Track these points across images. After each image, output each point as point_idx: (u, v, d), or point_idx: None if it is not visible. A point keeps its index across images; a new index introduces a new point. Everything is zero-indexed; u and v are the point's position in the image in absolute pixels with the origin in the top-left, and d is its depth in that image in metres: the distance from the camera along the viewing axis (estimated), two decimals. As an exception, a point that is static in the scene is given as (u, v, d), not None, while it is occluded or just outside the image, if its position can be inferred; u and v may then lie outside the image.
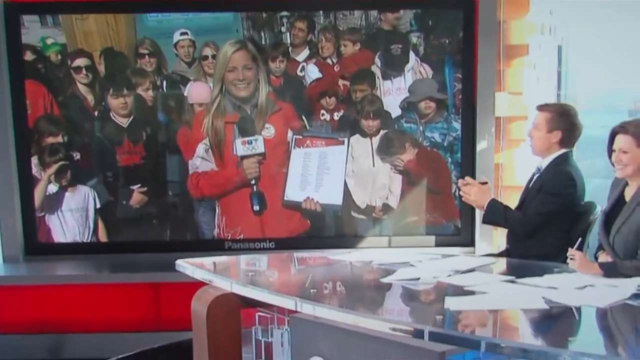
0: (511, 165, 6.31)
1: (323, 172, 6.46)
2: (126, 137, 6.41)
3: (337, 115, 6.41)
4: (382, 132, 6.42)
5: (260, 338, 4.16)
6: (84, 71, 6.31)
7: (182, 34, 6.31)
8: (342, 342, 3.56)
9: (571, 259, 4.21)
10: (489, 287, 3.82)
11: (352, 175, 6.47)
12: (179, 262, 4.64)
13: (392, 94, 6.42)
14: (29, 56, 6.31)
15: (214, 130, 6.37)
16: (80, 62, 6.32)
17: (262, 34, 6.36)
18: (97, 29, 6.32)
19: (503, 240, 5.64)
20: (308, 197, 6.47)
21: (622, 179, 4.50)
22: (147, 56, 6.33)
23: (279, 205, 6.49)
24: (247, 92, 6.36)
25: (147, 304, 6.23)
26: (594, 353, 2.84)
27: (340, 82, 6.40)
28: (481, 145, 6.30)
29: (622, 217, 4.39)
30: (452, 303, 3.51)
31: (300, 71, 6.39)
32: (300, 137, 6.43)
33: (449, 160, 6.43)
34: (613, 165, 4.47)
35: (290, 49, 6.36)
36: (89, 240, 6.47)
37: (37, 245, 6.45)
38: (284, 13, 6.34)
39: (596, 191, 4.98)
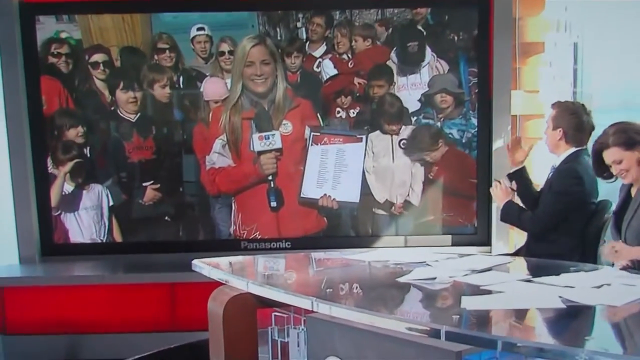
0: (528, 163, 6.27)
1: (340, 170, 6.46)
2: (137, 132, 6.43)
3: (354, 113, 6.41)
4: (409, 127, 6.40)
5: (276, 338, 4.15)
6: (101, 67, 6.33)
7: (198, 29, 6.32)
8: (359, 342, 3.55)
9: (615, 251, 4.22)
10: (505, 286, 3.80)
11: (372, 171, 6.45)
12: (195, 262, 4.64)
13: (408, 89, 6.41)
14: (44, 52, 6.33)
15: (231, 126, 6.38)
16: (98, 57, 6.34)
17: (278, 30, 6.36)
18: (113, 25, 6.35)
19: (520, 240, 5.63)
20: (325, 194, 6.47)
21: None
22: (167, 51, 6.34)
23: (295, 202, 6.50)
24: (264, 87, 6.37)
25: (163, 304, 6.24)
26: (611, 352, 2.82)
27: (356, 79, 6.39)
28: (497, 144, 6.29)
29: (630, 211, 4.46)
30: (468, 302, 3.50)
31: (317, 67, 6.39)
32: (318, 134, 6.43)
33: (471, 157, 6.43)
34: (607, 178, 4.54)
35: (307, 44, 6.36)
36: (104, 239, 6.49)
37: (53, 245, 6.48)
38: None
39: (614, 190, 4.95)
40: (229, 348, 4.11)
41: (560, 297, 3.48)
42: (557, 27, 6.40)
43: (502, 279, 3.96)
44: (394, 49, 6.39)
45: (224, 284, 4.29)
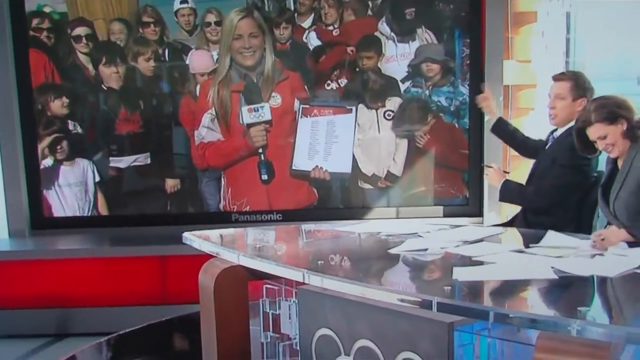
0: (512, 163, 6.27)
1: (331, 141, 6.44)
2: (123, 106, 6.38)
3: (343, 84, 6.38)
4: (397, 99, 6.39)
5: (267, 310, 4.15)
6: (84, 40, 6.28)
7: (182, 2, 6.26)
8: (350, 314, 3.54)
9: (602, 239, 4.22)
10: (497, 257, 3.79)
11: (358, 144, 6.44)
12: (185, 234, 4.62)
13: (397, 60, 6.38)
14: (29, 25, 6.30)
15: (220, 100, 6.35)
16: (81, 30, 6.28)
17: (266, 1, 6.31)
18: (99, -3, 6.30)
19: (511, 211, 5.61)
20: (317, 166, 6.44)
21: None
22: (151, 25, 6.29)
23: (287, 175, 6.48)
24: (253, 60, 6.33)
25: (154, 277, 6.22)
26: (603, 323, 2.81)
27: (346, 49, 6.36)
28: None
29: (617, 183, 4.43)
30: (460, 273, 3.48)
31: (306, 38, 6.36)
32: (307, 106, 6.40)
33: (456, 124, 6.40)
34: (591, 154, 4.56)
35: (296, 16, 6.32)
36: (89, 214, 6.46)
37: (43, 219, 6.45)
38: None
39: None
40: (220, 320, 4.11)
41: (552, 267, 3.47)
42: (549, -4, 6.37)
43: (494, 250, 3.95)
44: (382, 19, 6.34)
45: (215, 256, 4.27)
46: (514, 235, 4.68)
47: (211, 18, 6.30)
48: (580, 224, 4.93)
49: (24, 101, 6.31)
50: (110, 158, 6.45)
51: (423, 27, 6.35)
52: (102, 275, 6.18)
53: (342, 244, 4.66)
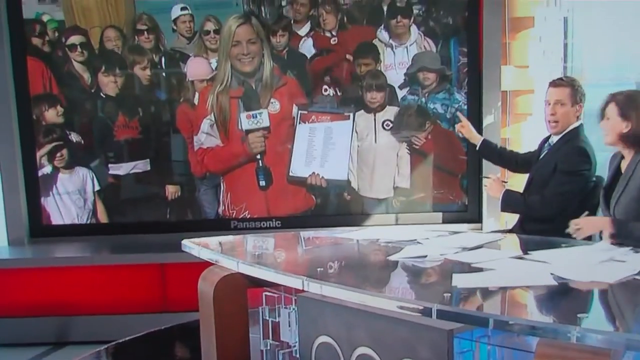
0: (518, 139, 6.27)
1: (328, 148, 6.45)
2: (121, 114, 6.40)
3: (340, 91, 6.39)
4: (395, 108, 6.39)
5: (267, 318, 4.14)
6: (78, 49, 6.28)
7: (182, 9, 6.28)
8: (350, 321, 3.54)
9: (577, 229, 4.24)
10: (496, 263, 3.79)
11: (355, 151, 6.44)
12: (184, 242, 4.61)
13: (395, 68, 6.39)
14: (27, 33, 6.30)
15: (219, 106, 6.37)
16: (75, 39, 6.29)
17: (262, 8, 6.33)
18: (96, 5, 6.29)
19: (510, 217, 5.61)
20: (313, 173, 6.45)
21: (618, 153, 4.54)
22: (145, 32, 6.30)
23: (284, 181, 6.49)
24: (251, 66, 6.34)
25: (153, 285, 6.22)
26: (603, 330, 2.81)
27: (344, 56, 6.37)
28: (487, 120, 6.28)
29: (619, 187, 4.46)
30: (459, 280, 3.48)
31: (302, 45, 6.37)
32: (306, 112, 6.42)
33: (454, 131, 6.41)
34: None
35: (292, 23, 6.33)
36: (89, 221, 6.47)
37: (42, 227, 6.46)
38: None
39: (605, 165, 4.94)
40: (219, 328, 4.10)
41: (552, 274, 3.47)
42: (546, 2, 6.36)
43: (494, 257, 3.95)
44: (380, 26, 6.35)
45: (214, 264, 4.27)
46: (513, 242, 4.68)
47: (210, 26, 6.32)
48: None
49: (22, 109, 6.32)
50: (110, 165, 6.45)
51: (421, 34, 6.35)
52: (102, 283, 6.18)
53: (341, 251, 4.66)
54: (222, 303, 4.10)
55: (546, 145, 5.17)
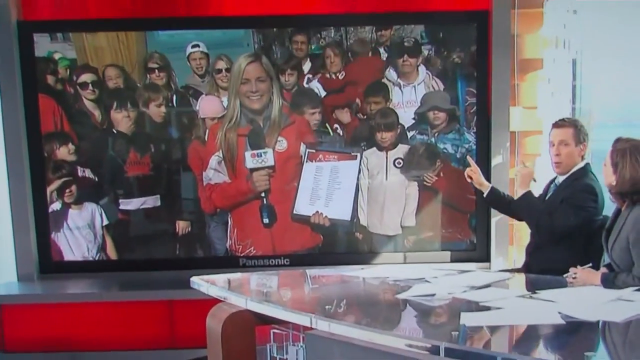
0: (536, 177, 6.27)
1: (334, 187, 6.46)
2: (134, 150, 6.41)
3: (351, 129, 6.41)
4: (405, 146, 6.41)
5: (275, 355, 4.15)
6: (90, 87, 6.33)
7: (193, 46, 6.32)
8: (358, 359, 3.54)
9: (573, 278, 4.28)
10: (504, 302, 3.80)
11: (365, 189, 6.46)
12: (193, 279, 4.64)
13: (403, 107, 6.41)
14: (39, 71, 6.34)
15: (227, 143, 6.38)
16: (86, 77, 6.33)
17: (273, 48, 6.38)
18: (108, 44, 6.34)
19: (519, 256, 5.61)
20: (317, 212, 6.46)
21: None
22: (156, 70, 6.34)
23: (288, 219, 6.49)
24: (260, 104, 6.36)
25: (162, 322, 6.21)
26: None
27: (355, 95, 6.40)
28: (496, 160, 6.28)
29: (614, 234, 4.48)
30: (467, 319, 3.49)
31: (306, 83, 6.40)
32: (313, 151, 6.42)
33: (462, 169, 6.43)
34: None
35: (302, 62, 6.37)
36: (97, 258, 6.48)
37: (52, 263, 6.46)
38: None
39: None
40: (227, 365, 4.11)
41: (559, 313, 3.48)
42: (555, 44, 6.39)
43: (501, 295, 3.96)
44: (389, 66, 6.39)
45: (223, 301, 4.28)
46: (521, 281, 4.68)
47: (221, 65, 6.35)
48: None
49: (33, 146, 6.34)
50: (120, 200, 6.47)
51: (429, 74, 6.38)
52: (110, 319, 6.17)
53: (349, 289, 4.67)
54: (230, 340, 4.11)
55: (552, 185, 5.20)
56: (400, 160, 6.43)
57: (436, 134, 6.41)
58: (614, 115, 6.53)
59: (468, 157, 5.87)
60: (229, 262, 6.36)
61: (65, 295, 6.22)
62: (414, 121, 6.40)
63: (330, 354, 3.67)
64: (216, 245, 6.50)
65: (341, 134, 6.42)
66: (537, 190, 5.34)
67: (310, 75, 6.40)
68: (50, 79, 6.35)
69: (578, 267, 4.50)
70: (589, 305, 3.69)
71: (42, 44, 6.32)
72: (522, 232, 5.74)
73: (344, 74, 6.40)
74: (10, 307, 6.19)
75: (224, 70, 6.34)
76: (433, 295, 4.07)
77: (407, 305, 4.01)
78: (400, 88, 6.41)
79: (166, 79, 6.37)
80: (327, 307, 3.89)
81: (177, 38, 6.37)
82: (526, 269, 5.18)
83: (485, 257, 6.40)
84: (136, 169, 6.44)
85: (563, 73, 6.43)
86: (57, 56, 6.33)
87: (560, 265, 4.71)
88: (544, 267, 4.88)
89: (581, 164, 5.05)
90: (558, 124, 5.12)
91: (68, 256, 6.48)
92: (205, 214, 6.46)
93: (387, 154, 6.43)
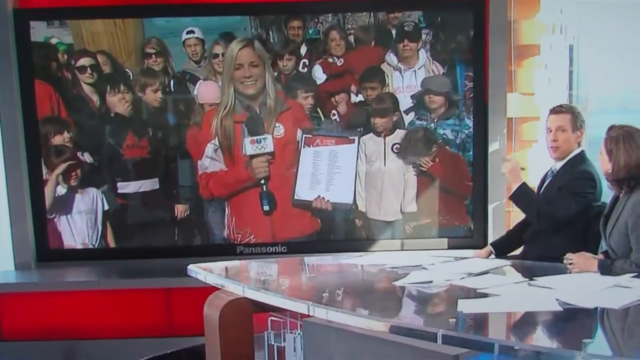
0: (523, 166, 6.26)
1: (333, 171, 6.44)
2: (132, 133, 6.40)
3: (348, 114, 6.40)
4: (403, 131, 6.40)
5: (272, 342, 4.15)
6: (88, 70, 6.31)
7: (188, 32, 6.30)
8: (355, 346, 3.54)
9: (570, 263, 4.28)
10: (502, 289, 3.80)
11: (363, 175, 6.45)
12: (190, 267, 4.63)
13: (403, 91, 6.40)
14: (36, 57, 6.32)
15: (223, 130, 6.36)
16: (85, 61, 6.31)
17: (271, 33, 6.36)
18: (105, 29, 6.32)
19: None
20: (319, 196, 6.44)
21: None
22: (153, 55, 6.32)
23: (289, 205, 6.48)
24: (254, 89, 6.34)
25: (159, 310, 6.22)
26: (608, 355, 2.82)
27: (351, 81, 6.39)
28: (493, 147, 6.28)
29: (612, 221, 4.48)
30: (465, 306, 3.49)
31: (302, 68, 6.38)
32: (310, 136, 6.40)
33: (462, 157, 6.42)
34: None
35: (301, 47, 6.36)
36: (97, 244, 6.47)
37: (49, 251, 6.45)
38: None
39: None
40: (225, 353, 4.11)
41: (557, 299, 3.48)
42: (552, 30, 6.38)
43: (499, 282, 3.97)
44: (388, 51, 6.37)
45: (220, 288, 4.28)
46: (518, 268, 4.68)
47: (218, 50, 6.32)
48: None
49: (29, 132, 6.33)
50: (118, 184, 6.45)
51: (430, 59, 6.37)
52: (108, 307, 6.17)
53: (346, 276, 4.68)
54: (228, 328, 4.11)
55: (549, 173, 5.20)
56: (398, 146, 6.42)
57: (435, 119, 6.40)
58: (611, 102, 6.53)
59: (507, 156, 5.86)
60: (226, 250, 6.36)
61: (62, 283, 6.22)
62: (412, 105, 6.39)
63: (328, 341, 3.67)
64: (214, 230, 6.49)
65: (338, 120, 6.41)
66: (535, 180, 5.35)
67: (306, 60, 6.39)
68: (48, 64, 6.33)
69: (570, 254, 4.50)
70: (587, 292, 3.69)
71: (39, 30, 6.30)
72: (519, 218, 5.73)
73: (342, 61, 6.38)
74: (8, 296, 6.20)
75: (220, 55, 6.32)
76: (430, 282, 4.07)
77: (405, 292, 4.02)
78: (400, 72, 6.39)
79: (163, 64, 6.36)
80: (324, 294, 3.89)
81: (174, 23, 6.35)
82: (523, 256, 5.19)
83: (482, 244, 6.39)
84: (134, 152, 6.42)
85: (560, 59, 6.43)
86: (54, 41, 6.32)
87: (558, 252, 4.71)
88: (542, 254, 4.89)
89: (577, 150, 5.05)
90: (555, 110, 5.12)
91: (69, 242, 6.47)
92: (204, 200, 6.45)
93: (385, 139, 6.43)
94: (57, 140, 6.36)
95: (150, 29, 6.35)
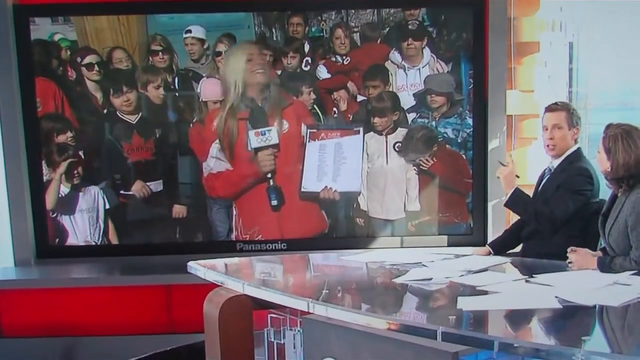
0: (523, 163, 6.27)
1: (340, 162, 6.43)
2: (136, 133, 6.39)
3: (350, 112, 6.39)
4: (404, 129, 6.40)
5: (272, 340, 4.15)
6: (96, 67, 6.30)
7: (186, 32, 6.30)
8: (355, 343, 3.55)
9: (569, 262, 4.28)
10: (501, 286, 3.81)
11: (365, 173, 6.45)
12: (190, 264, 4.63)
13: (407, 90, 6.40)
14: (38, 54, 6.31)
15: (226, 128, 6.34)
16: (91, 58, 6.30)
17: (274, 30, 6.35)
18: (109, 26, 6.31)
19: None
20: (326, 187, 6.42)
21: None
22: (160, 53, 6.31)
23: (296, 199, 6.46)
24: (263, 78, 6.33)
25: (160, 306, 6.22)
26: (607, 352, 2.82)
27: (354, 79, 6.38)
28: (493, 144, 6.28)
29: (611, 219, 4.47)
30: (464, 303, 3.50)
31: (305, 65, 6.38)
32: (315, 130, 6.39)
33: (463, 155, 6.42)
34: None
35: (304, 44, 6.35)
36: (99, 242, 6.47)
37: (49, 248, 6.45)
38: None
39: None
40: (225, 350, 4.11)
41: (556, 297, 3.49)
42: (552, 27, 6.39)
43: (499, 280, 3.97)
44: (392, 49, 6.37)
45: (220, 285, 4.29)
46: (518, 265, 4.69)
47: (222, 48, 6.32)
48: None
49: (29, 129, 6.32)
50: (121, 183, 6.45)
51: (434, 57, 6.37)
52: (108, 304, 6.17)
53: (347, 273, 4.68)
54: (228, 325, 4.11)
55: (546, 171, 5.20)
56: (400, 144, 6.42)
57: (437, 118, 6.39)
58: (611, 99, 6.54)
59: (509, 155, 5.85)
60: (226, 247, 6.35)
61: (62, 280, 6.21)
62: (414, 104, 6.38)
63: (328, 338, 3.68)
64: (218, 228, 6.48)
65: (340, 117, 6.40)
66: (533, 178, 5.35)
67: (309, 58, 6.39)
68: (51, 61, 6.32)
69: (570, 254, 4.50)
70: (586, 290, 3.70)
71: (44, 26, 6.29)
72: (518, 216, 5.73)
73: (348, 59, 6.38)
74: (7, 292, 6.20)
75: (224, 53, 6.32)
76: (430, 279, 4.07)
77: (405, 289, 4.02)
78: (404, 71, 6.39)
79: (169, 62, 6.35)
80: (324, 291, 3.90)
81: (177, 20, 6.34)
82: (523, 254, 5.19)
83: (482, 241, 6.40)
84: (139, 152, 6.41)
85: (560, 56, 6.44)
86: (57, 38, 6.31)
87: (557, 250, 4.72)
88: (541, 251, 4.89)
89: (574, 147, 5.06)
90: (551, 108, 5.12)
91: (71, 238, 6.47)
92: (207, 197, 6.43)
93: (386, 138, 6.42)
94: (60, 138, 6.36)
95: (154, 25, 6.34)
